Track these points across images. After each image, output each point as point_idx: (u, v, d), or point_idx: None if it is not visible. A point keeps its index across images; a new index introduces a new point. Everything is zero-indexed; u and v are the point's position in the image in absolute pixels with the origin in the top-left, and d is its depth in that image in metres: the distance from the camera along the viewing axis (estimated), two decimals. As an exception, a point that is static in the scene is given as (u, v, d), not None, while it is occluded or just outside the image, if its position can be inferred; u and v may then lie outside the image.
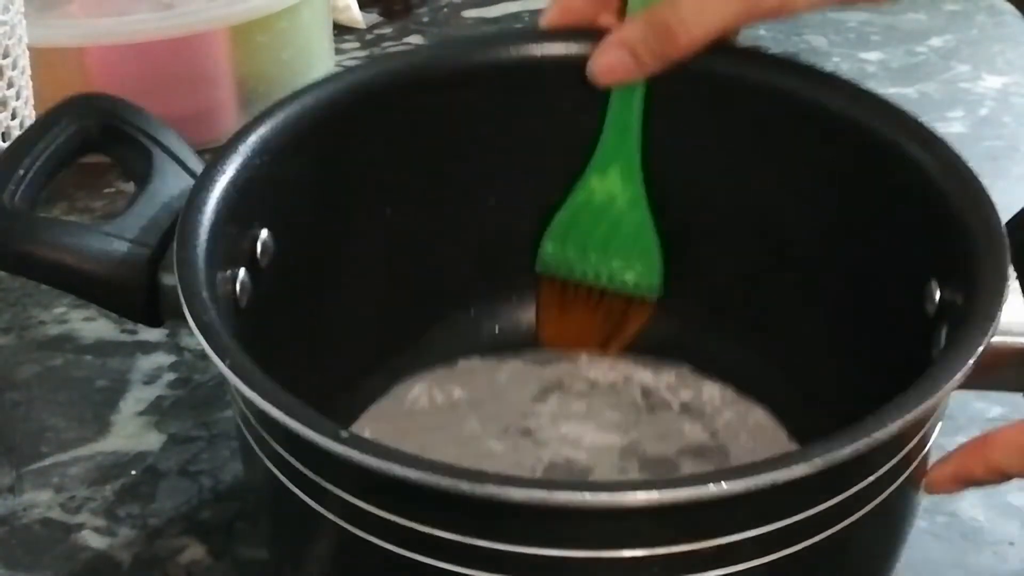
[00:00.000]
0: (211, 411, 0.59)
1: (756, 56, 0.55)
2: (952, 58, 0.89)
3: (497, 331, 0.59)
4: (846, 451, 0.39)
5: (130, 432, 0.58)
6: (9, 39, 0.66)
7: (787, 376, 0.56)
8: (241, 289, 0.48)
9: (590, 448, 0.55)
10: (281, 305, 0.50)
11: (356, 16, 0.92)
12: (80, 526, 0.54)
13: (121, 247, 0.48)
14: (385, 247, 0.56)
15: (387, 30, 0.93)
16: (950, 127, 0.81)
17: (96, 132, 0.52)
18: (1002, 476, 0.45)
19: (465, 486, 0.38)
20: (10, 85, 0.67)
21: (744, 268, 0.57)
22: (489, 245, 0.58)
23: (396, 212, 0.56)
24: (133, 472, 0.56)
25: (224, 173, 0.48)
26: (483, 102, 0.56)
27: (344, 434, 0.39)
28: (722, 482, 0.38)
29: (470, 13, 0.95)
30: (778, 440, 0.55)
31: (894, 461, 0.42)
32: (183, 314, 0.44)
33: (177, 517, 0.54)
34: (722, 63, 0.53)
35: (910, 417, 0.40)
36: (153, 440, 0.58)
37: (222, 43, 0.77)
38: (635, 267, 0.57)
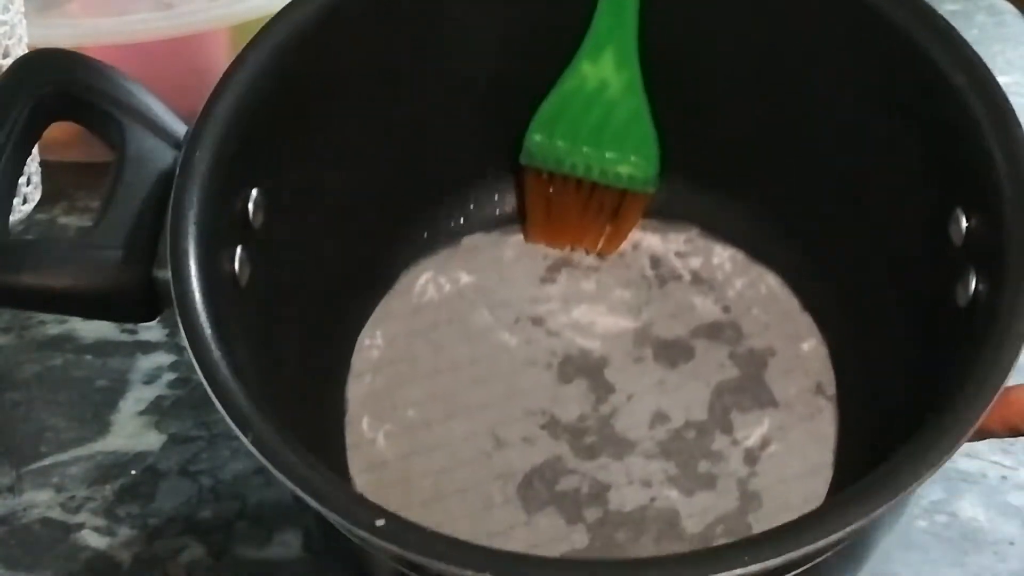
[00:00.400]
0: (211, 411, 0.58)
1: None
2: (952, 58, 0.89)
3: (496, 205, 0.57)
4: (862, 520, 0.38)
5: (130, 432, 0.58)
6: (9, 39, 0.66)
7: (798, 243, 0.55)
8: (240, 266, 0.46)
9: (603, 335, 0.55)
10: (282, 244, 0.49)
11: (356, 16, 0.92)
12: (80, 526, 0.54)
13: (107, 257, 0.45)
14: (377, 146, 0.54)
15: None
16: (950, 127, 0.81)
17: (57, 105, 0.47)
18: (1018, 434, 0.45)
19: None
20: (10, 85, 0.67)
21: (754, 141, 0.55)
22: (484, 128, 0.56)
23: (386, 106, 0.53)
24: (133, 472, 0.56)
25: (206, 148, 0.45)
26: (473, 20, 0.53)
27: (380, 522, 0.38)
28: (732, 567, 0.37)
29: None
30: (791, 313, 0.55)
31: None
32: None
33: (177, 517, 0.54)
34: None
35: (927, 475, 0.39)
36: (153, 440, 0.58)
37: (222, 43, 0.77)
38: (630, 159, 0.54)
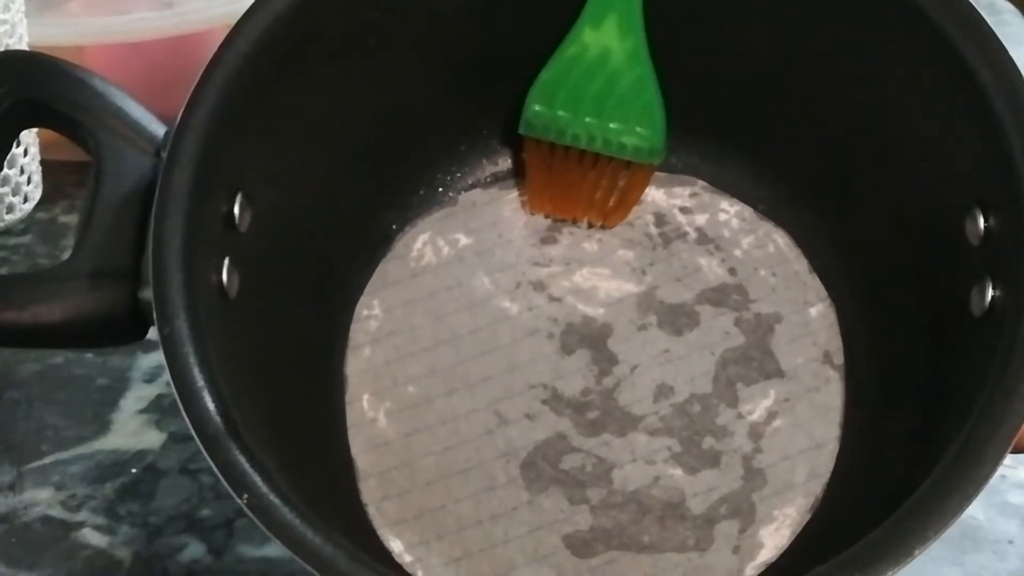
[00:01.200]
0: (211, 409, 0.59)
1: None
2: (952, 57, 0.89)
3: (496, 168, 0.56)
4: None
5: (130, 430, 0.58)
6: (9, 38, 0.66)
7: (809, 203, 0.53)
8: (228, 276, 0.45)
9: (606, 301, 0.53)
10: (272, 233, 0.48)
11: (356, 15, 0.92)
12: (80, 524, 0.54)
13: (88, 285, 0.43)
14: (365, 109, 0.52)
15: (387, 29, 0.93)
16: (950, 126, 0.81)
17: (27, 113, 0.45)
18: None
19: None
20: (10, 84, 0.67)
21: (766, 97, 0.53)
22: (478, 90, 0.54)
23: (372, 65, 0.51)
24: (133, 470, 0.56)
25: (190, 159, 0.44)
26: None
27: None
28: None
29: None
30: (799, 274, 0.53)
31: None
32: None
33: (177, 515, 0.54)
34: None
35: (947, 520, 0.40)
36: (153, 438, 0.58)
37: (222, 42, 0.77)
38: (635, 129, 0.52)
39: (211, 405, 0.42)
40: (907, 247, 0.50)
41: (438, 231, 0.55)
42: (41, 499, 0.55)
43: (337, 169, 0.52)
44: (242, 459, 0.41)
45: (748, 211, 0.54)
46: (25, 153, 0.69)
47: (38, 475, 0.56)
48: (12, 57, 0.46)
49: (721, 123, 0.54)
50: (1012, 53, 0.95)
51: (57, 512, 0.54)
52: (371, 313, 0.53)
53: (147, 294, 0.43)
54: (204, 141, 0.44)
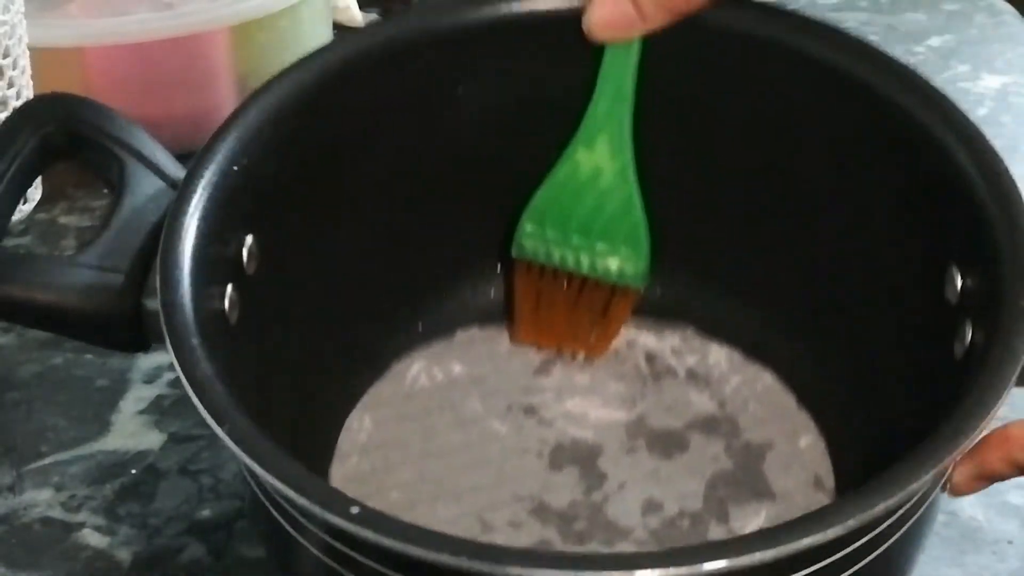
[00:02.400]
0: (211, 410, 0.59)
1: (757, 8, 0.52)
2: (951, 58, 0.89)
3: (493, 298, 0.57)
4: (879, 509, 0.38)
5: (130, 431, 0.58)
6: (9, 39, 0.66)
7: (794, 338, 0.54)
8: (230, 305, 0.46)
9: (596, 425, 0.54)
10: (271, 307, 0.49)
11: (356, 16, 0.92)
12: (80, 525, 0.54)
13: (98, 278, 0.45)
14: (375, 227, 0.54)
15: (387, 30, 0.93)
16: (949, 127, 0.81)
17: (61, 141, 0.49)
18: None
19: (479, 566, 0.37)
20: (10, 85, 0.67)
21: (747, 230, 0.55)
22: (481, 216, 0.55)
23: (384, 189, 0.53)
24: (133, 471, 0.56)
25: (203, 184, 0.46)
26: (462, 68, 0.53)
27: (355, 510, 0.38)
28: (749, 553, 0.37)
29: (470, 13, 0.95)
30: (788, 409, 0.54)
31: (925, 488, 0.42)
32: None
33: (177, 516, 0.54)
34: (729, 18, 0.51)
35: (942, 465, 0.39)
36: (153, 439, 0.58)
37: (222, 43, 0.77)
38: (620, 251, 0.54)
39: (200, 351, 0.42)
40: (892, 363, 0.51)
41: (434, 360, 0.56)
42: (41, 500, 0.55)
43: (338, 283, 0.53)
44: (224, 397, 0.41)
45: (736, 354, 0.56)
46: (25, 154, 0.69)
47: (38, 476, 0.56)
48: (62, 97, 0.50)
49: (709, 261, 0.56)
50: (1011, 53, 0.95)
51: (57, 513, 0.55)
52: (361, 426, 0.54)
53: (152, 303, 0.44)
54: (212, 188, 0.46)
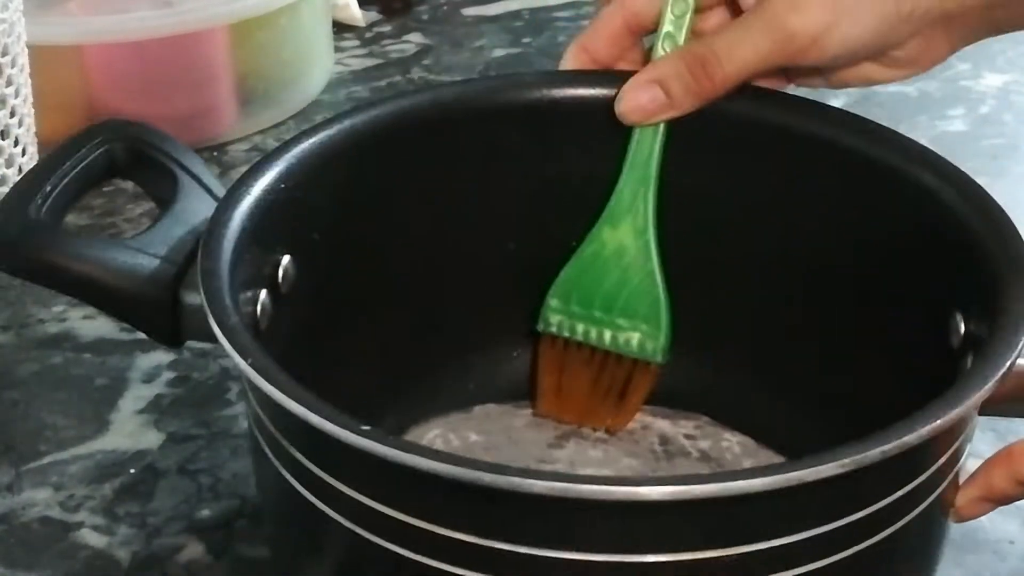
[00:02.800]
0: (210, 409, 0.59)
1: (771, 96, 0.54)
2: (952, 56, 0.89)
3: (510, 377, 0.58)
4: (875, 453, 0.38)
5: (129, 430, 0.58)
6: (8, 37, 0.66)
7: (807, 426, 0.54)
8: (261, 311, 0.47)
9: None
10: (298, 337, 0.50)
11: (356, 14, 0.92)
12: (79, 524, 0.54)
13: (146, 262, 0.48)
14: (403, 284, 0.55)
15: (386, 28, 0.93)
16: (951, 125, 0.81)
17: (124, 155, 0.53)
18: None
19: (487, 478, 0.37)
20: (9, 83, 0.67)
21: (763, 313, 0.56)
22: (506, 287, 0.57)
23: (415, 247, 0.55)
24: (132, 471, 0.56)
25: (248, 195, 0.48)
26: (503, 142, 0.55)
27: (365, 427, 0.38)
28: (752, 479, 0.37)
29: (469, 11, 0.95)
30: None
31: (924, 476, 0.42)
32: (204, 334, 0.43)
33: (176, 516, 0.54)
34: (737, 103, 0.52)
35: (940, 424, 0.39)
36: (152, 438, 0.58)
37: (222, 41, 0.77)
38: (641, 326, 0.55)
39: (231, 310, 0.43)
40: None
41: (450, 429, 0.56)
42: (40, 499, 0.55)
43: (363, 346, 0.54)
44: (251, 341, 0.42)
45: (749, 441, 0.56)
46: (24, 153, 0.69)
47: (37, 475, 0.56)
48: (128, 122, 0.54)
49: (724, 348, 0.57)
50: (1012, 52, 0.95)
51: (56, 512, 0.54)
52: None
53: (190, 297, 0.47)
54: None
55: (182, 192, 0.51)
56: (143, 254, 0.48)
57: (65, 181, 0.51)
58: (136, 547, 0.53)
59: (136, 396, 0.60)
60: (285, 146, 0.50)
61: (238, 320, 0.43)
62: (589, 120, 0.54)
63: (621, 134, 0.53)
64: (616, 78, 0.53)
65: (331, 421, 0.39)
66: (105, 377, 0.61)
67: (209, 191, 0.52)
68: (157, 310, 0.48)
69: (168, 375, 0.61)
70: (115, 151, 0.53)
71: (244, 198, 0.48)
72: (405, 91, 0.56)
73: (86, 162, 0.52)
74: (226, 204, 0.47)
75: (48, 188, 0.50)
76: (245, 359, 0.41)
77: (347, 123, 0.52)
